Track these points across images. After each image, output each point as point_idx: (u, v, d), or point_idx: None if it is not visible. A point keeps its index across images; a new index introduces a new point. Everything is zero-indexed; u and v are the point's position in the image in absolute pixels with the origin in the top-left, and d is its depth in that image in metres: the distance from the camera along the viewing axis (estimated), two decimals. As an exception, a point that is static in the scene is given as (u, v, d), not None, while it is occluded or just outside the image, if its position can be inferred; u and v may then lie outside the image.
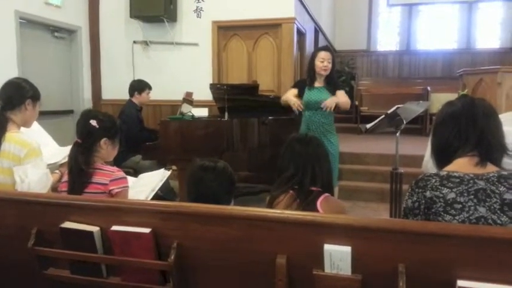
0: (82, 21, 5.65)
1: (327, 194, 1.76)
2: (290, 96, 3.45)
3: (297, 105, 3.34)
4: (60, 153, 2.31)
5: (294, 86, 3.61)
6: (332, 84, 3.46)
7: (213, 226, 1.32)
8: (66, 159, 2.22)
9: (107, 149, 1.94)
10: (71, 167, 1.86)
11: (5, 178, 1.90)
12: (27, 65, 4.70)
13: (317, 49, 3.60)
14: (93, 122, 1.89)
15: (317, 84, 3.43)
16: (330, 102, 3.26)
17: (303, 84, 3.51)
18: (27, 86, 2.07)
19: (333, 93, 3.40)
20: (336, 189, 3.39)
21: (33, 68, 4.79)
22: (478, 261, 1.10)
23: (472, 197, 1.26)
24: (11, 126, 1.98)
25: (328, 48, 3.43)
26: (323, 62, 3.35)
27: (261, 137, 4.02)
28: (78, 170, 1.83)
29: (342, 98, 3.40)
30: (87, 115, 1.94)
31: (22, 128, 2.07)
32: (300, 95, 3.46)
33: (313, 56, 3.44)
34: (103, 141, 1.91)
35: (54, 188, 2.02)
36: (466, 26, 9.68)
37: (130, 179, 2.14)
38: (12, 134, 1.95)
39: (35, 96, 2.08)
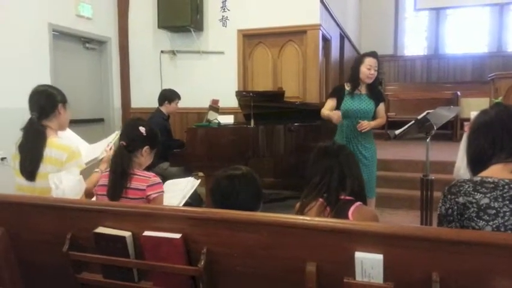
0: (112, 32, 5.81)
1: (359, 203, 1.72)
2: (327, 111, 3.24)
3: (337, 118, 3.15)
4: (97, 148, 2.38)
5: (332, 95, 3.37)
6: (375, 92, 3.25)
7: (242, 232, 1.32)
8: (104, 154, 2.29)
9: (146, 157, 2.01)
10: (115, 168, 1.91)
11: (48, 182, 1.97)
12: (60, 76, 4.86)
13: (364, 54, 3.30)
14: (142, 129, 1.96)
15: (358, 91, 3.22)
16: (366, 125, 3.12)
17: (341, 91, 3.29)
18: (54, 92, 2.14)
19: (376, 102, 3.23)
20: (373, 201, 3.24)
21: (65, 78, 4.96)
22: (516, 271, 1.07)
23: (507, 202, 1.23)
24: (49, 132, 2.07)
25: (376, 54, 3.18)
26: (370, 70, 3.12)
27: (287, 144, 4.02)
28: (122, 172, 1.88)
29: (380, 119, 3.26)
30: (136, 122, 2.02)
31: (59, 132, 2.15)
32: (338, 103, 3.26)
33: (359, 61, 3.20)
34: (145, 149, 1.99)
35: (91, 192, 2.08)
36: (497, 28, 9.43)
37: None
38: (52, 140, 2.04)
39: (64, 99, 2.16)
